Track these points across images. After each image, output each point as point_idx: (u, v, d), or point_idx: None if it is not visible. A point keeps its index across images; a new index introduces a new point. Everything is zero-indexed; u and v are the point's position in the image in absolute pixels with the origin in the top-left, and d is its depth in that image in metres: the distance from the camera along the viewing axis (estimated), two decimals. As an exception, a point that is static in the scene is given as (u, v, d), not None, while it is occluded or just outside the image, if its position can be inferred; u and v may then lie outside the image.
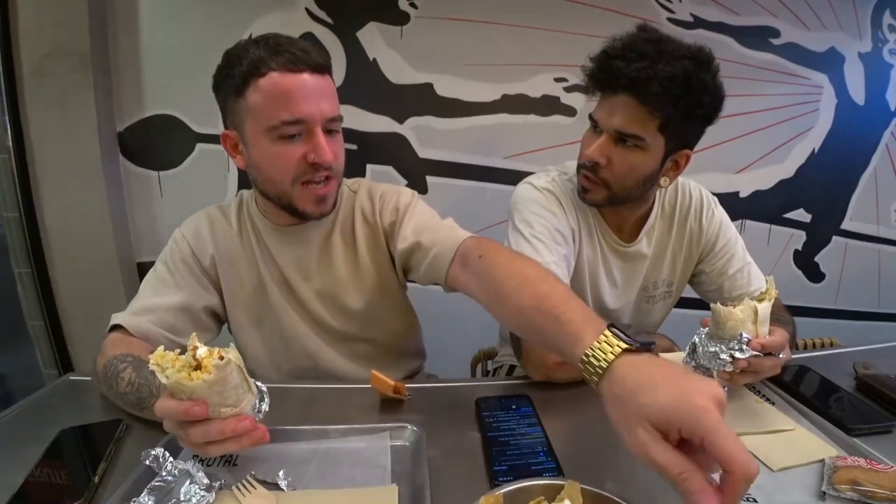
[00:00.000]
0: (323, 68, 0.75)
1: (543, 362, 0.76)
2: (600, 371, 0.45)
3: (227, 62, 0.75)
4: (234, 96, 0.74)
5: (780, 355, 0.68)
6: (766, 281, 0.69)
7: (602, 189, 0.85)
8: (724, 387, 0.68)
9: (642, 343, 0.47)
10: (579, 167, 0.87)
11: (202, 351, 0.49)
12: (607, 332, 0.48)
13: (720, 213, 0.99)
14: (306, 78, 0.72)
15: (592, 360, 0.46)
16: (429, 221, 0.85)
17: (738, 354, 0.63)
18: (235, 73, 0.72)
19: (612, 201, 0.87)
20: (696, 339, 0.70)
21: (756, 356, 0.63)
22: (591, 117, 0.84)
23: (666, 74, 0.72)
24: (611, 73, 0.77)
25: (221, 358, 0.49)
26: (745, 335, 0.63)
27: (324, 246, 0.88)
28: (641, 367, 0.44)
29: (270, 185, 0.79)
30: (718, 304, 0.66)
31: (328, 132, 0.77)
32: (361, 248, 0.88)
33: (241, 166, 0.81)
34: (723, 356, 0.64)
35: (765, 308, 0.65)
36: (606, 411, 0.45)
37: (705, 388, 0.40)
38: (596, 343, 0.47)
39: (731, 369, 0.64)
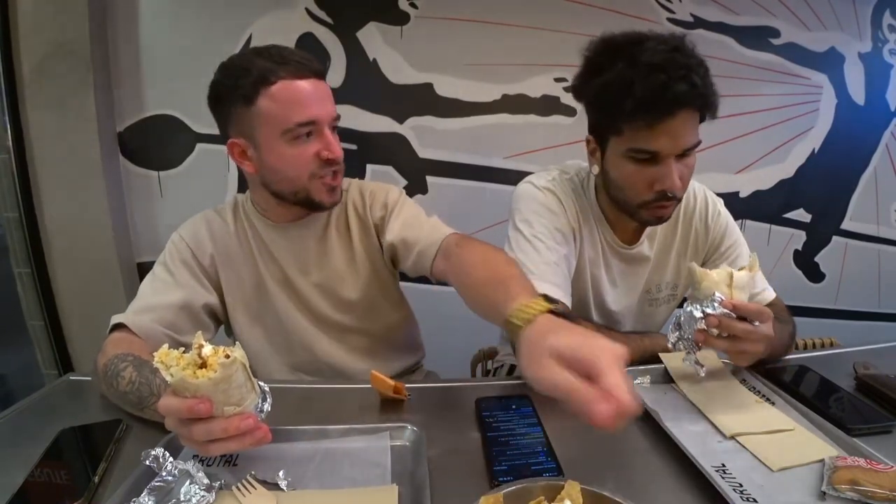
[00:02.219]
0: (323, 74, 0.83)
1: None
2: (524, 321, 0.51)
3: (229, 74, 0.79)
4: (243, 105, 0.78)
5: (758, 325, 0.67)
6: (750, 256, 0.72)
7: (676, 203, 0.84)
8: (699, 346, 0.69)
9: (565, 312, 0.52)
10: (648, 202, 0.81)
11: (207, 349, 0.49)
12: (539, 297, 0.54)
13: (725, 215, 0.98)
14: (312, 83, 0.79)
15: (519, 312, 0.52)
16: (416, 218, 0.91)
17: (709, 310, 0.65)
18: (243, 84, 0.77)
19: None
20: (679, 310, 0.71)
21: (728, 315, 0.65)
22: (639, 151, 0.77)
23: (704, 72, 0.73)
24: (677, 97, 0.71)
25: (227, 356, 0.49)
26: (718, 295, 0.65)
27: (321, 241, 0.92)
28: (557, 322, 0.49)
29: (287, 184, 0.83)
30: (694, 263, 0.69)
31: (331, 129, 0.83)
32: (356, 241, 0.93)
33: (250, 171, 0.84)
34: (696, 314, 0.66)
35: (742, 276, 0.67)
36: (519, 358, 0.48)
37: (608, 343, 0.43)
38: (527, 301, 0.53)
39: (702, 326, 0.66)
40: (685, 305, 0.70)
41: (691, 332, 0.68)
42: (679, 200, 0.84)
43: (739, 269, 0.69)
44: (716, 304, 0.65)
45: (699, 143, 0.78)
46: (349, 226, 0.93)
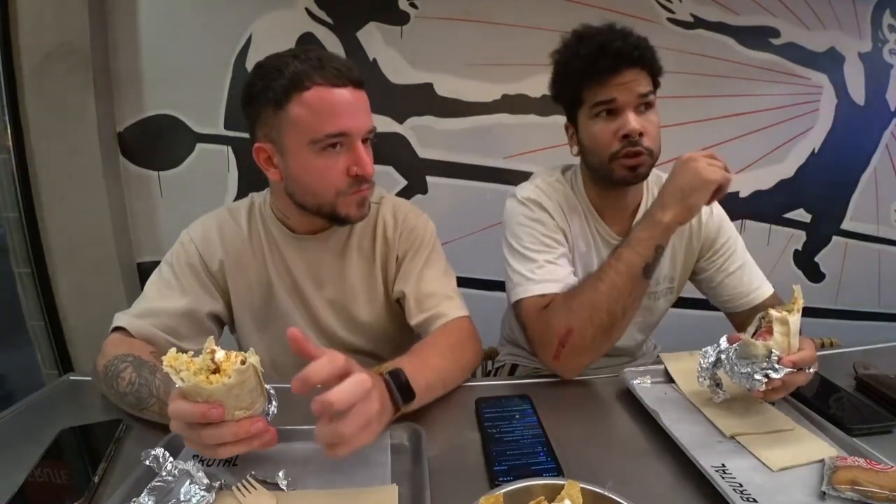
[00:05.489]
0: (362, 83, 0.77)
1: (549, 342, 0.78)
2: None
3: (263, 75, 0.74)
4: (273, 108, 0.73)
5: (811, 369, 0.65)
6: (794, 290, 0.67)
7: (648, 157, 0.86)
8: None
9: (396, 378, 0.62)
10: (617, 153, 0.85)
11: (220, 354, 0.49)
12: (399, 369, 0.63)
13: (719, 211, 1.00)
14: (349, 92, 0.74)
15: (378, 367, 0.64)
16: (437, 283, 0.87)
17: (772, 374, 0.62)
18: (275, 86, 0.72)
19: (651, 168, 0.89)
20: (723, 357, 0.67)
21: (791, 372, 0.62)
22: (597, 104, 0.85)
23: (638, 37, 0.84)
24: (618, 53, 0.82)
25: (243, 362, 0.49)
26: (775, 353, 0.62)
27: (339, 255, 0.89)
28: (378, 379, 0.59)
29: (312, 197, 0.78)
30: (746, 335, 0.65)
31: (364, 141, 0.77)
32: (378, 262, 0.90)
33: (275, 179, 0.79)
34: (757, 377, 0.62)
35: (797, 321, 0.64)
36: None
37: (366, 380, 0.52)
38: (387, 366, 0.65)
39: (765, 388, 0.63)
40: (734, 360, 0.65)
41: (739, 381, 0.64)
42: (650, 155, 0.85)
43: (787, 310, 0.65)
44: (776, 366, 0.62)
45: (653, 95, 0.86)
46: (375, 245, 0.89)
